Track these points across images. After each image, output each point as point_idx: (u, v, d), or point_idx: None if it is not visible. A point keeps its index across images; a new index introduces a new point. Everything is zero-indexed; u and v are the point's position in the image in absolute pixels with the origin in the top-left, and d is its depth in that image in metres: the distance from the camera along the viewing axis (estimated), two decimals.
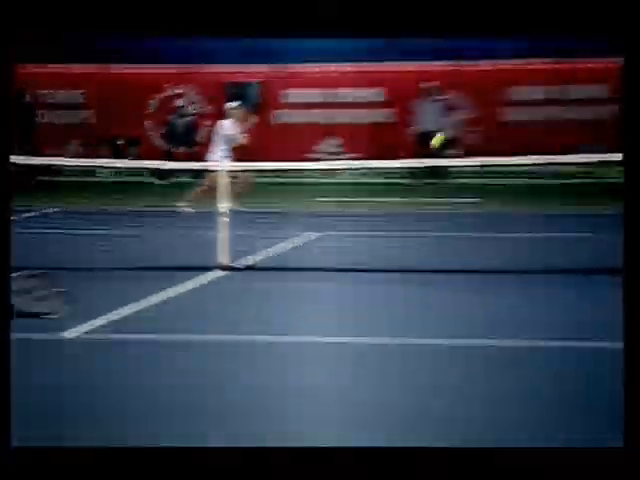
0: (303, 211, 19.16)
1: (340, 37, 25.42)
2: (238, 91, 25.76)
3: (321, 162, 22.95)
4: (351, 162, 22.65)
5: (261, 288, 11.96)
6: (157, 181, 23.08)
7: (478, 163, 18.85)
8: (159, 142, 25.88)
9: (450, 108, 25.69)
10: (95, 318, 9.72)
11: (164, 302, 10.92)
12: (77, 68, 26.51)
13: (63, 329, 9.38)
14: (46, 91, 26.41)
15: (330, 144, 26.33)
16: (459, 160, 20.21)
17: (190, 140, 25.32)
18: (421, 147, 23.86)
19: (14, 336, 6.93)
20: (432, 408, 6.31)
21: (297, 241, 15.49)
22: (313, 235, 15.91)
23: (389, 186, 24.03)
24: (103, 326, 9.68)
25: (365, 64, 26.15)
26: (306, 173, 23.98)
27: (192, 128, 25.76)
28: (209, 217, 13.92)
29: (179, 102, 26.16)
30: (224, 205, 12.25)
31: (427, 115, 25.22)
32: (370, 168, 23.23)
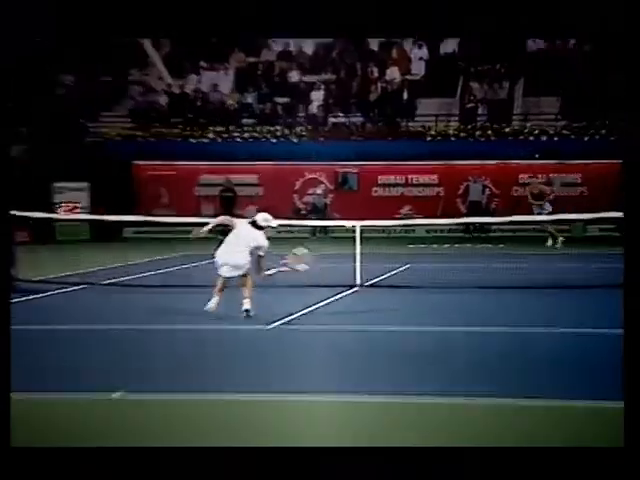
0: (399, 252, 24.84)
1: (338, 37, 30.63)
2: (345, 178, 32.76)
3: (403, 220, 28.77)
4: (421, 220, 28.15)
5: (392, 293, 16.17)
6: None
7: (499, 220, 26.12)
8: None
9: (484, 187, 31.93)
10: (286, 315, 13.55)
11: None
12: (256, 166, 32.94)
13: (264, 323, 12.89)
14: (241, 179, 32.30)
15: (405, 209, 32.17)
16: (490, 218, 27.79)
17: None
18: (470, 210, 30.50)
19: (226, 328, 10.73)
20: None
21: (403, 267, 20.88)
22: (409, 265, 21.54)
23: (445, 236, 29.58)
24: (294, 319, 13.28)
25: (424, 162, 32.47)
26: (390, 228, 29.21)
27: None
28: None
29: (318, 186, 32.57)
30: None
31: (473, 190, 31.88)
32: (433, 224, 29.23)
